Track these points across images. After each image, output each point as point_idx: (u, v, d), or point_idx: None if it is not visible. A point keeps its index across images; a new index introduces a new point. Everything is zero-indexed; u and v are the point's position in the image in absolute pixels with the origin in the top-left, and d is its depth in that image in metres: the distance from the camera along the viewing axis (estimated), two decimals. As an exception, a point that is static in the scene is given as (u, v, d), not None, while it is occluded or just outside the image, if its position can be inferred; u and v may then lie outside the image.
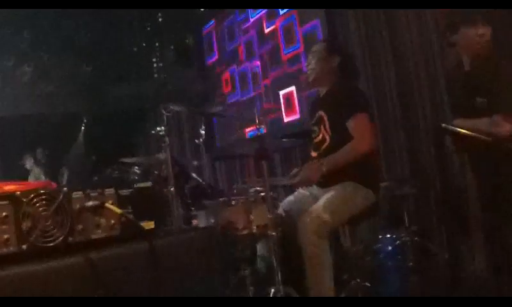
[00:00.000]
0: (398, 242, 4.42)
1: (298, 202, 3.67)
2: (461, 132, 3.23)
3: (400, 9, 4.81)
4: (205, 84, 7.75)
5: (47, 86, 8.65)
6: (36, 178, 7.69)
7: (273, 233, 3.16)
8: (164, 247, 1.85)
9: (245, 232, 3.38)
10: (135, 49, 8.72)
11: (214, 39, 7.69)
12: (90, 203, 1.76)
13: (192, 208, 3.64)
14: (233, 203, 3.52)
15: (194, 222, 3.60)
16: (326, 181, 3.52)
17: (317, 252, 3.25)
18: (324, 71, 3.74)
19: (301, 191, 3.73)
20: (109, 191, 1.82)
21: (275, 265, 3.14)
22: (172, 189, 3.12)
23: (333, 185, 3.50)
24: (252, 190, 3.88)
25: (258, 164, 3.40)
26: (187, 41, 8.31)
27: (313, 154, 3.75)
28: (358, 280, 3.69)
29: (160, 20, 8.37)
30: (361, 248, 4.69)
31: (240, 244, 3.51)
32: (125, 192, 2.09)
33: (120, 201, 1.82)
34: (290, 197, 3.77)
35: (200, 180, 4.26)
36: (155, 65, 8.81)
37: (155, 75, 8.86)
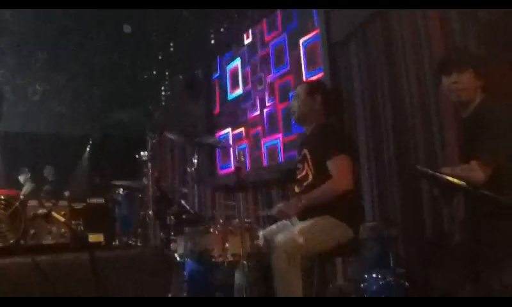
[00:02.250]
0: (382, 282, 4.46)
1: (279, 230, 3.76)
2: (435, 175, 3.25)
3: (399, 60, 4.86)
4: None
5: (57, 106, 8.82)
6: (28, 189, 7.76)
7: (244, 262, 3.21)
8: (108, 259, 1.94)
9: (220, 260, 3.43)
10: (145, 76, 8.84)
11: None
12: (40, 211, 1.88)
13: (172, 233, 3.69)
14: (211, 230, 3.57)
15: (173, 246, 3.66)
16: (305, 214, 3.63)
17: (288, 273, 3.30)
18: (307, 111, 3.88)
19: (284, 221, 3.82)
20: (63, 203, 1.96)
21: (246, 292, 3.20)
22: (150, 212, 3.22)
23: (312, 218, 3.59)
24: (235, 220, 3.95)
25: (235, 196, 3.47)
26: (196, 72, 8.42)
27: (296, 189, 3.88)
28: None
29: (171, 49, 8.49)
30: (348, 285, 4.84)
31: (215, 271, 3.55)
32: (78, 205, 2.19)
33: (72, 214, 1.94)
34: (273, 226, 3.87)
35: (187, 207, 4.33)
36: (163, 93, 8.92)
37: (163, 103, 8.97)
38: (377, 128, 5.15)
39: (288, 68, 6.42)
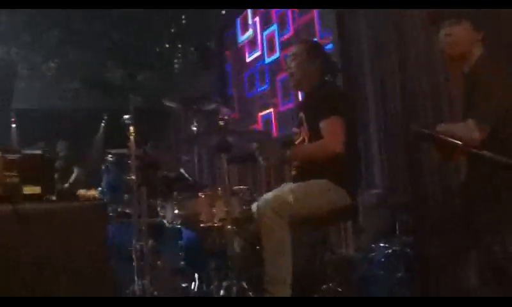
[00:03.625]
0: (388, 251, 4.35)
1: None
2: (431, 134, 3.09)
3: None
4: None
5: (71, 82, 8.82)
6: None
7: (229, 227, 3.11)
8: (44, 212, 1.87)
9: (208, 225, 3.34)
10: (157, 49, 8.76)
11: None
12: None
13: (160, 199, 3.61)
14: (199, 195, 3.47)
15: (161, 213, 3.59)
16: (301, 177, 3.50)
17: (274, 230, 3.17)
18: (305, 74, 3.71)
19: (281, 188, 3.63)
20: (-5, 153, 1.87)
21: (231, 258, 3.14)
22: (133, 177, 3.14)
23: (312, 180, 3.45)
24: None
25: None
26: (208, 44, 8.32)
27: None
28: (330, 285, 3.62)
29: (183, 22, 8.38)
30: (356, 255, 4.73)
31: (206, 237, 3.47)
32: (11, 156, 2.11)
33: (6, 165, 1.85)
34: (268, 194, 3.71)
35: (186, 175, 4.25)
36: (176, 66, 8.83)
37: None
38: (385, 92, 5.03)
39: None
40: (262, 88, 7.26)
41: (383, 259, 4.36)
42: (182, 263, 3.78)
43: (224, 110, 4.72)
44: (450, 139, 2.99)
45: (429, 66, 4.45)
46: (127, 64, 8.53)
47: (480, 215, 3.17)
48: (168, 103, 4.23)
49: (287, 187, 3.42)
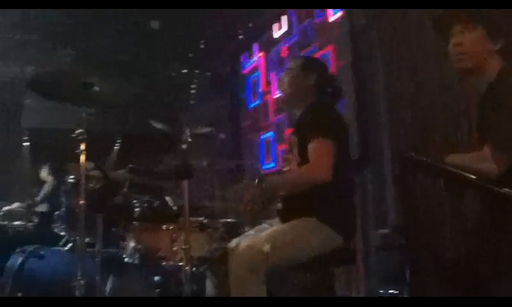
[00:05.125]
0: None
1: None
2: (435, 165, 2.57)
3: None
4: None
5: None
6: (50, 185, 7.42)
7: (187, 268, 2.66)
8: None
9: (165, 263, 2.90)
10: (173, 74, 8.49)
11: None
12: None
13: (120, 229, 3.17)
14: (163, 228, 3.02)
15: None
16: (287, 216, 3.03)
17: (245, 288, 2.72)
18: (299, 91, 3.26)
19: (264, 225, 3.20)
20: None
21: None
22: (82, 202, 2.73)
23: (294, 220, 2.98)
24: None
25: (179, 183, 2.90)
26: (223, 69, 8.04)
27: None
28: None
29: (202, 47, 8.10)
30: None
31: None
32: None
33: None
34: (250, 232, 3.22)
35: (170, 204, 3.82)
36: (193, 91, 8.54)
37: (192, 102, 8.59)
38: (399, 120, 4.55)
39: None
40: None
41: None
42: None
43: (219, 135, 4.32)
44: (460, 172, 2.47)
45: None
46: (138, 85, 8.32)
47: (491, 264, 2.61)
48: (156, 125, 3.81)
49: (263, 233, 2.94)
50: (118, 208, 3.32)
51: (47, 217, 4.25)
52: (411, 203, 3.80)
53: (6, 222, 5.32)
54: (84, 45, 8.01)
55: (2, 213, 6.12)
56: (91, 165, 3.11)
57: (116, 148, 8.89)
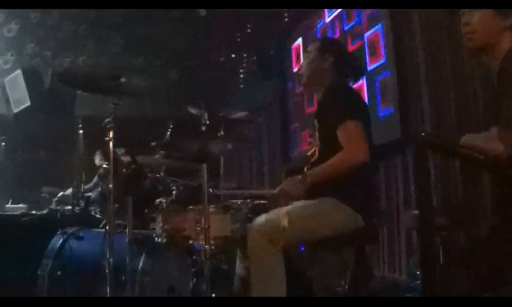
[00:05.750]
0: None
1: None
2: (444, 144, 2.58)
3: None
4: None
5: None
6: (100, 175, 7.69)
7: (206, 246, 2.79)
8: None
9: (191, 242, 3.05)
10: (222, 59, 8.57)
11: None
12: None
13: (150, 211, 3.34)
14: (189, 208, 3.16)
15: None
16: (308, 195, 3.06)
17: (263, 258, 2.82)
18: (316, 73, 3.31)
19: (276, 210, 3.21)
20: None
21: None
22: (110, 186, 2.92)
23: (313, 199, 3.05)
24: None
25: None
26: (271, 52, 8.04)
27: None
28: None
29: (249, 31, 8.15)
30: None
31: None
32: None
33: None
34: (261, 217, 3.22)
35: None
36: (241, 76, 8.62)
37: (241, 86, 8.67)
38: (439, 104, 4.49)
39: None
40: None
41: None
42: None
43: (257, 119, 4.40)
44: (467, 151, 2.48)
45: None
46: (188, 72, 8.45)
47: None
48: (192, 110, 3.95)
49: (283, 209, 3.01)
50: (151, 191, 3.50)
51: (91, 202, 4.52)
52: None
53: (58, 207, 5.62)
54: (136, 34, 8.22)
55: (56, 199, 6.48)
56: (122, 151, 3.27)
57: (168, 133, 9.13)
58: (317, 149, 3.22)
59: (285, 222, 2.83)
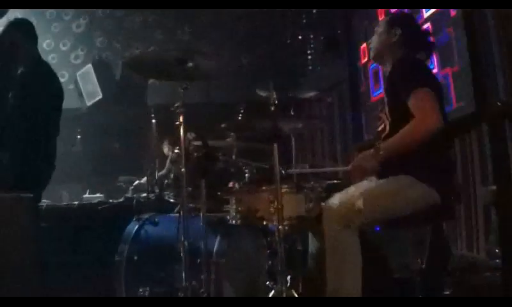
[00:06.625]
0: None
1: None
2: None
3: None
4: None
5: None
6: (172, 160, 7.77)
7: (280, 227, 2.79)
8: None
9: (265, 223, 3.04)
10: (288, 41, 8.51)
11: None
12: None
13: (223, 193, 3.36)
14: (263, 188, 3.16)
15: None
16: (383, 173, 3.01)
17: (339, 240, 2.78)
18: (384, 47, 3.27)
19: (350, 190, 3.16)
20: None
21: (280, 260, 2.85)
22: (183, 170, 2.95)
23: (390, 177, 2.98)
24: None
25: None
26: (339, 31, 7.92)
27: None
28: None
29: (314, 11, 8.06)
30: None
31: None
32: None
33: None
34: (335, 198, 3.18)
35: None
36: (309, 57, 8.52)
37: (310, 67, 8.58)
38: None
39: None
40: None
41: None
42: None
43: (327, 99, 4.34)
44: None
45: None
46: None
47: None
48: (261, 92, 3.95)
49: (356, 190, 2.94)
50: (224, 174, 3.52)
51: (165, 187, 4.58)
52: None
53: (134, 195, 5.73)
54: (202, 22, 8.29)
55: (132, 187, 6.62)
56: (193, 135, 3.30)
57: (239, 116, 9.16)
58: (387, 123, 3.13)
59: (360, 204, 2.77)
